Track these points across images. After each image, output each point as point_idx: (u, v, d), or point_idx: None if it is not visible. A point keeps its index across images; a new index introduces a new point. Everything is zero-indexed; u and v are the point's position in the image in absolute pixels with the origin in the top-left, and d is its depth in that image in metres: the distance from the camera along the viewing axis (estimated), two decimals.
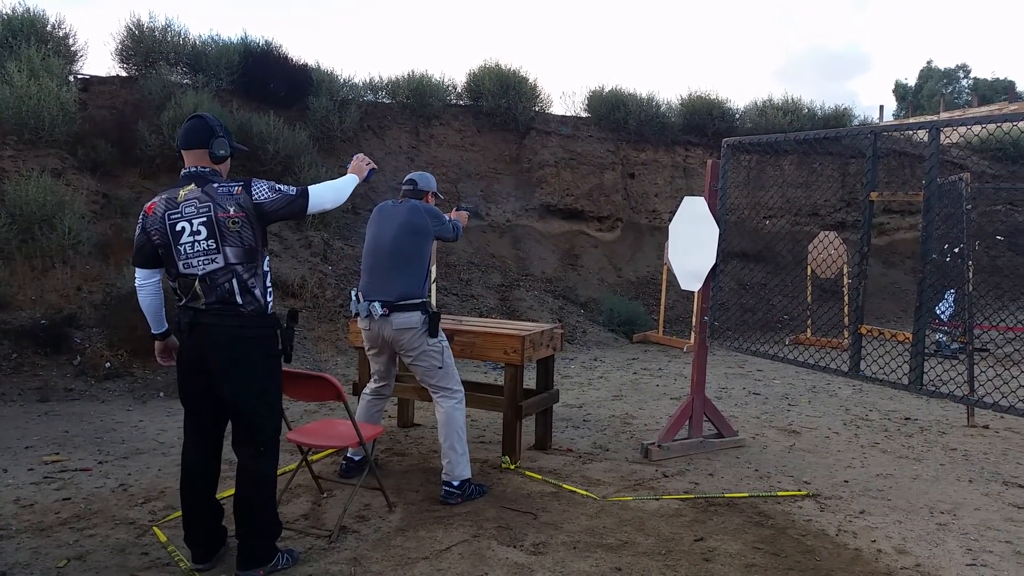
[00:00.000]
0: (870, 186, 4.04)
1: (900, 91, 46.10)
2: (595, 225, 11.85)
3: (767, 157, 12.91)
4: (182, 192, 3.03)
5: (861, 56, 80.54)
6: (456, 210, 4.81)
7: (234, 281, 2.98)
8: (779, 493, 4.29)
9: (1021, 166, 15.80)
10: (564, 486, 4.33)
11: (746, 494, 4.25)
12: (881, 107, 33.50)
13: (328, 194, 3.20)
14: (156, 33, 9.50)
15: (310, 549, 3.41)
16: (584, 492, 4.24)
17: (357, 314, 4.18)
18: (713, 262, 4.96)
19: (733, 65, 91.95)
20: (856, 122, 17.05)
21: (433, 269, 5.97)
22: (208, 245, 2.98)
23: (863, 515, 3.98)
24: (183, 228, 2.99)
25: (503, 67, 11.78)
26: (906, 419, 6.02)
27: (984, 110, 27.52)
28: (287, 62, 10.08)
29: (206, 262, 2.99)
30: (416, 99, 10.86)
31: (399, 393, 5.38)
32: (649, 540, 3.62)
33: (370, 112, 10.74)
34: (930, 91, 42.60)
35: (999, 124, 3.75)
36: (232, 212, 2.98)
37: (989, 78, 42.64)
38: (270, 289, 3.13)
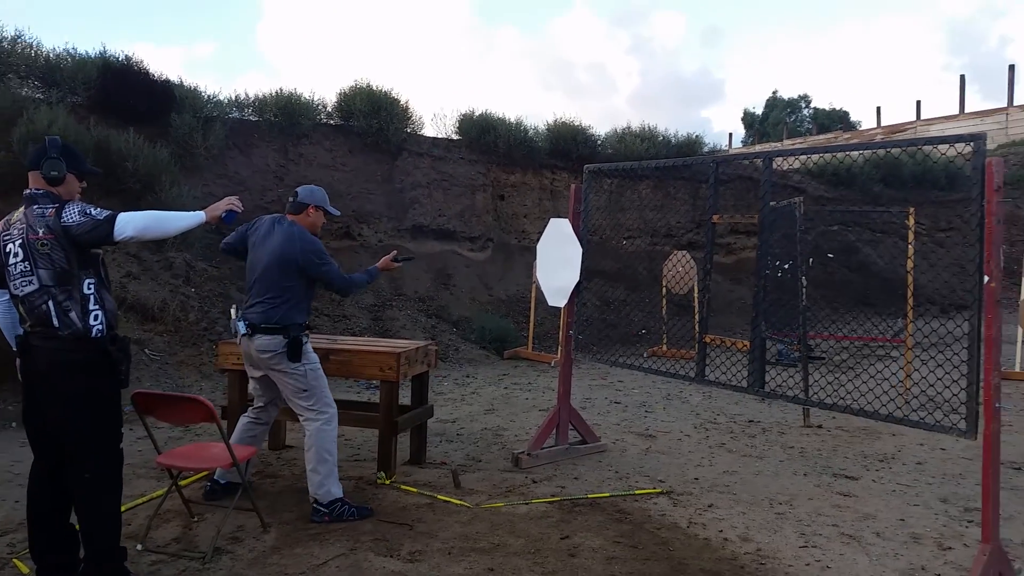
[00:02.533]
0: (712, 209, 4.48)
1: (748, 119, 49.20)
2: (467, 245, 12.09)
3: (626, 181, 13.62)
4: (15, 214, 3.09)
5: (714, 85, 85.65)
6: (389, 257, 4.69)
7: (50, 303, 2.98)
8: (637, 492, 4.63)
9: (851, 190, 17.36)
10: (439, 497, 4.48)
11: (607, 494, 4.56)
12: (730, 134, 35.82)
13: (143, 223, 3.06)
14: (5, 44, 8.99)
15: (183, 571, 3.41)
16: (458, 501, 4.41)
17: (234, 332, 4.18)
18: (577, 280, 5.28)
19: (594, 92, 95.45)
20: (706, 149, 18.21)
21: None
22: (24, 267, 3.00)
23: (711, 508, 4.37)
24: (10, 249, 3.04)
25: (374, 88, 11.87)
26: (750, 422, 6.57)
27: (822, 138, 30.00)
28: (148, 77, 9.77)
29: (24, 284, 3.01)
30: (285, 117, 10.76)
31: None
32: (519, 541, 3.84)
33: (236, 130, 10.54)
34: (775, 119, 45.69)
35: (821, 155, 4.26)
36: (41, 234, 2.98)
37: (827, 108, 46.24)
38: (95, 312, 3.05)
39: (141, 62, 9.91)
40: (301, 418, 4.17)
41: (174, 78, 10.19)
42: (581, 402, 7.14)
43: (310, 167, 10.88)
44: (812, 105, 47.91)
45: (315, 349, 4.65)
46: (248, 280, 4.21)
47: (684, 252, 10.43)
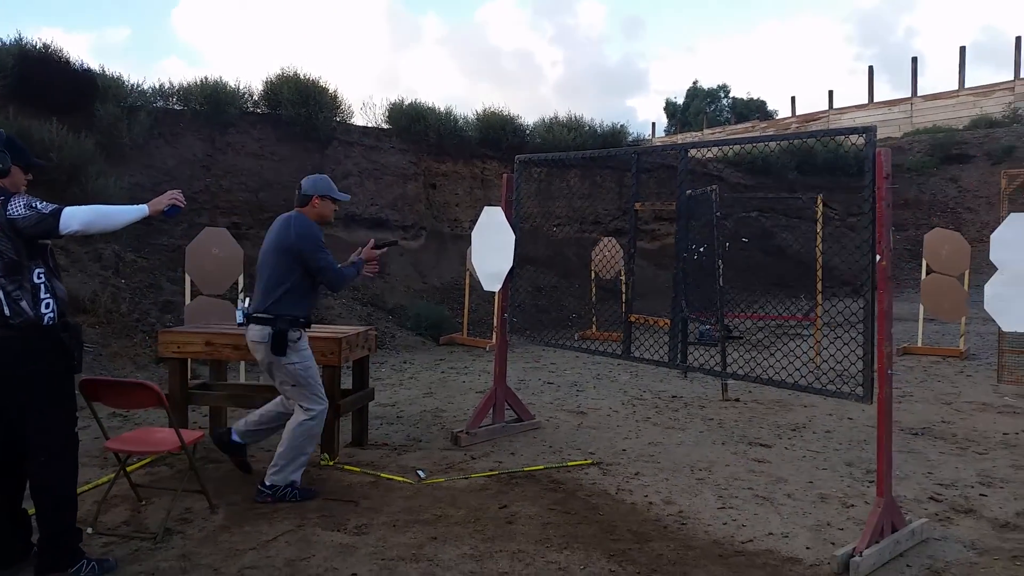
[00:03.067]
0: (635, 197, 4.78)
1: (671, 108, 50.27)
2: (400, 234, 12.20)
3: (555, 170, 13.91)
4: None
5: (638, 75, 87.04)
6: (369, 247, 4.56)
7: (0, 294, 3.04)
8: (569, 464, 4.91)
9: (768, 178, 18.09)
10: (382, 475, 4.67)
11: (542, 467, 4.83)
12: (653, 124, 36.62)
13: (88, 217, 3.15)
14: None
15: (136, 552, 3.51)
16: (401, 479, 4.62)
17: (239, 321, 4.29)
18: (510, 266, 5.51)
19: (521, 81, 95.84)
20: (630, 138, 18.70)
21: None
22: None
23: (637, 476, 4.69)
24: None
25: (302, 76, 11.83)
26: (673, 397, 6.95)
27: (739, 127, 31.00)
28: (68, 66, 9.54)
29: None
30: (211, 106, 10.65)
31: (211, 402, 5.46)
32: (460, 512, 4.07)
33: (161, 119, 10.38)
34: (696, 109, 46.80)
35: (733, 147, 4.60)
36: None
37: (745, 98, 47.61)
38: (47, 301, 3.12)
39: (60, 50, 9.67)
40: (291, 406, 4.26)
41: (95, 66, 9.99)
42: (516, 383, 7.40)
43: (238, 156, 10.81)
44: (731, 95, 49.10)
45: None
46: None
47: (611, 238, 10.81)
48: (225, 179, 10.44)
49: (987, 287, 6.81)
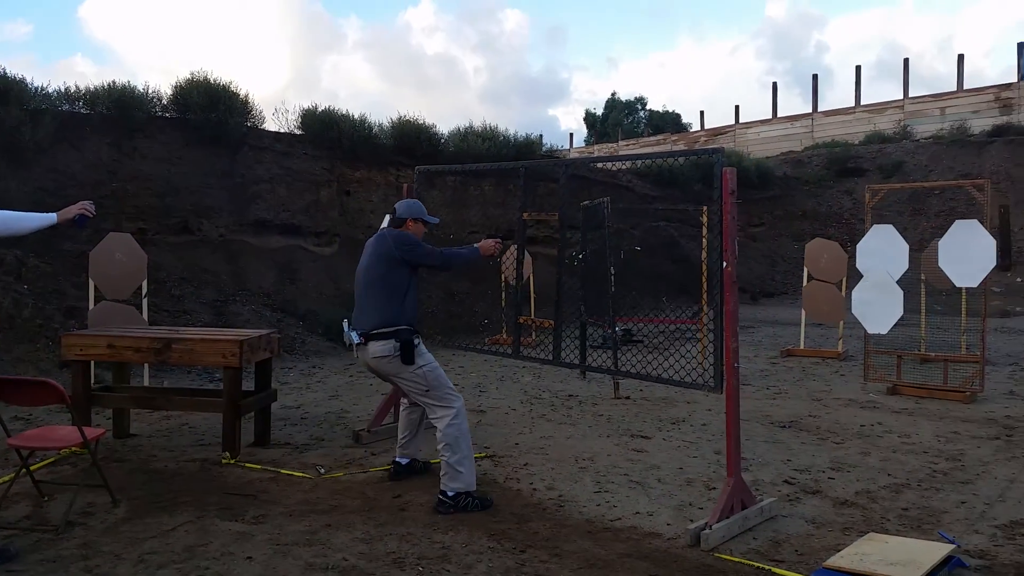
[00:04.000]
0: (522, 208, 5.16)
1: (590, 119, 51.34)
2: (313, 240, 12.31)
3: (469, 179, 14.30)
4: None
5: (559, 84, 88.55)
6: (485, 239, 4.80)
7: None
8: None
9: (675, 189, 18.86)
10: (282, 471, 4.89)
11: (437, 460, 5.12)
12: (571, 134, 37.44)
13: None
14: None
15: (37, 543, 3.65)
16: (300, 474, 4.84)
17: (349, 343, 4.39)
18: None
19: (444, 88, 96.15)
20: (545, 149, 19.23)
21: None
22: None
23: (526, 467, 5.04)
24: None
25: (212, 81, 11.83)
26: (569, 396, 7.36)
27: (652, 140, 32.06)
28: None
29: None
30: (118, 110, 10.56)
31: (113, 404, 5.56)
32: (356, 502, 4.34)
33: (67, 123, 10.25)
34: (615, 120, 47.93)
35: (614, 163, 5.01)
36: None
37: (661, 110, 49.01)
38: None
39: None
40: (430, 415, 4.37)
41: None
42: None
43: (145, 161, 10.75)
44: (648, 107, 50.40)
45: (157, 340, 4.94)
46: (356, 294, 4.46)
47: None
48: (131, 184, 10.37)
49: (854, 293, 7.50)
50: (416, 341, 4.33)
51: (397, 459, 4.78)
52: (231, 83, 11.95)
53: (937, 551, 3.56)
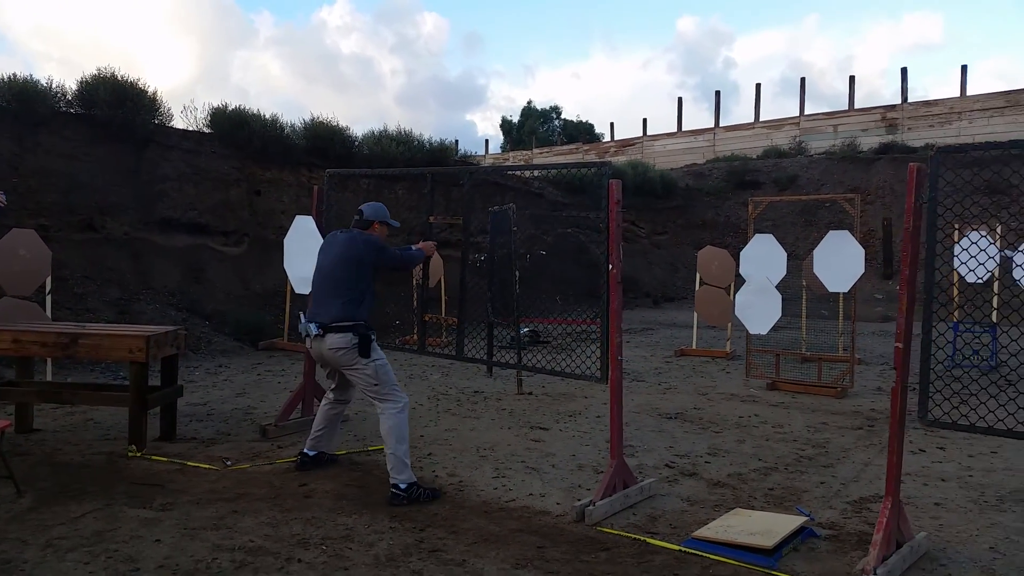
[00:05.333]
0: (428, 211, 5.44)
1: (506, 126, 51.93)
2: (221, 239, 12.22)
3: (383, 182, 14.44)
4: None
5: (477, 90, 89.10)
6: (422, 241, 5.17)
7: None
8: (370, 448, 5.48)
9: (585, 196, 19.44)
10: (189, 463, 5.01)
11: (344, 451, 5.36)
12: (487, 141, 37.84)
13: None
14: None
15: None
16: (207, 466, 4.98)
17: (303, 334, 4.53)
18: None
19: (360, 88, 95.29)
20: (460, 155, 19.58)
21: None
22: None
23: (430, 456, 5.32)
24: None
25: (120, 77, 11.63)
26: (475, 392, 7.68)
27: (565, 148, 32.80)
28: None
29: None
30: (20, 104, 10.28)
31: (17, 399, 5.55)
32: (262, 490, 4.52)
33: None
34: (530, 128, 48.63)
35: (516, 171, 5.35)
36: None
37: (575, 120, 50.01)
38: None
39: None
40: (377, 408, 4.56)
41: None
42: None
43: (48, 157, 10.50)
44: (562, 116, 51.28)
45: (62, 334, 5.00)
46: (314, 287, 4.63)
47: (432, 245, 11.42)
48: (34, 179, 10.11)
49: (737, 296, 8.09)
50: (374, 335, 4.58)
51: (306, 451, 4.97)
52: (139, 80, 11.79)
53: (792, 522, 4.03)
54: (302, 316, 4.66)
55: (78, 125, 11.05)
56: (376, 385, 4.53)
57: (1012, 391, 6.53)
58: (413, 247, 5.09)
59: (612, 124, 33.37)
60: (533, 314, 12.93)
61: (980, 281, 6.89)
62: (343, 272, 4.57)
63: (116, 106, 11.14)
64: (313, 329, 4.51)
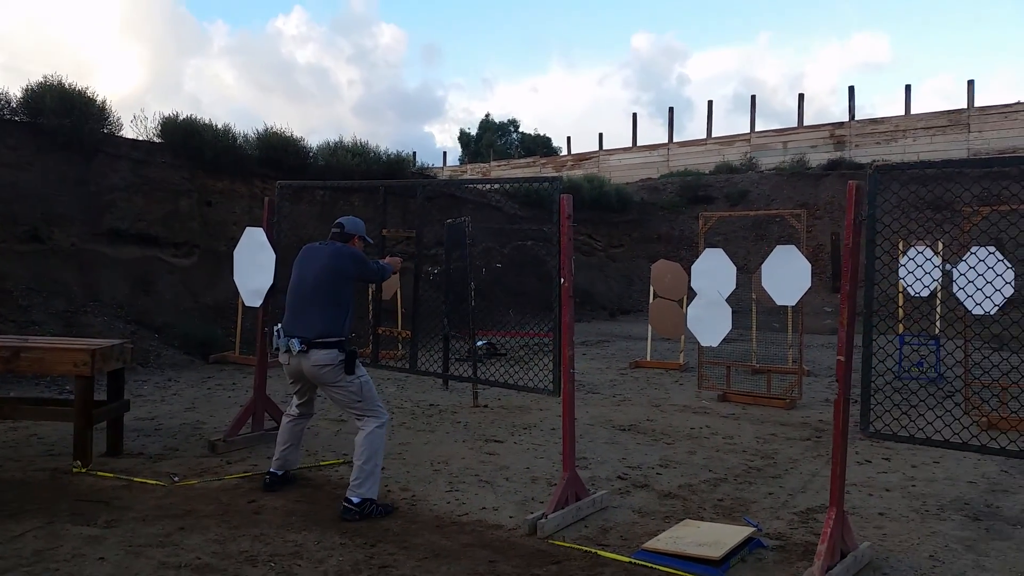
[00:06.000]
0: (382, 224, 5.43)
1: (464, 139, 52.02)
2: (171, 251, 12.00)
3: (339, 194, 14.33)
4: None
5: (435, 102, 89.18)
6: (390, 255, 5.17)
7: None
8: (322, 463, 5.42)
9: (541, 210, 19.56)
10: (135, 479, 4.91)
11: (296, 467, 5.28)
12: (444, 153, 37.89)
13: None
14: None
15: None
16: (154, 482, 4.88)
17: (277, 348, 4.37)
18: (271, 283, 5.93)
19: (316, 99, 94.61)
20: (417, 167, 19.54)
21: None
22: None
23: (384, 471, 5.20)
24: None
25: (68, 85, 11.39)
26: (431, 405, 7.65)
27: (522, 162, 32.97)
28: None
29: None
30: None
31: None
32: (210, 507, 4.44)
33: None
34: (488, 141, 48.79)
35: (469, 185, 5.38)
36: None
37: (533, 133, 50.29)
38: None
39: None
40: (358, 422, 4.46)
41: None
42: (284, 398, 7.73)
43: None
44: (520, 130, 51.57)
45: (4, 348, 4.87)
46: (293, 300, 4.46)
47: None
48: None
49: (689, 309, 8.20)
50: (357, 352, 4.52)
51: (273, 470, 4.86)
52: (87, 88, 11.56)
53: (740, 533, 4.09)
54: (277, 330, 4.53)
55: (23, 133, 10.78)
56: (359, 402, 4.47)
57: (950, 403, 6.75)
58: (381, 261, 5.05)
59: (569, 138, 33.94)
60: (489, 327, 12.96)
61: (922, 295, 7.11)
62: (328, 285, 4.48)
63: (63, 114, 10.90)
64: (296, 345, 4.38)
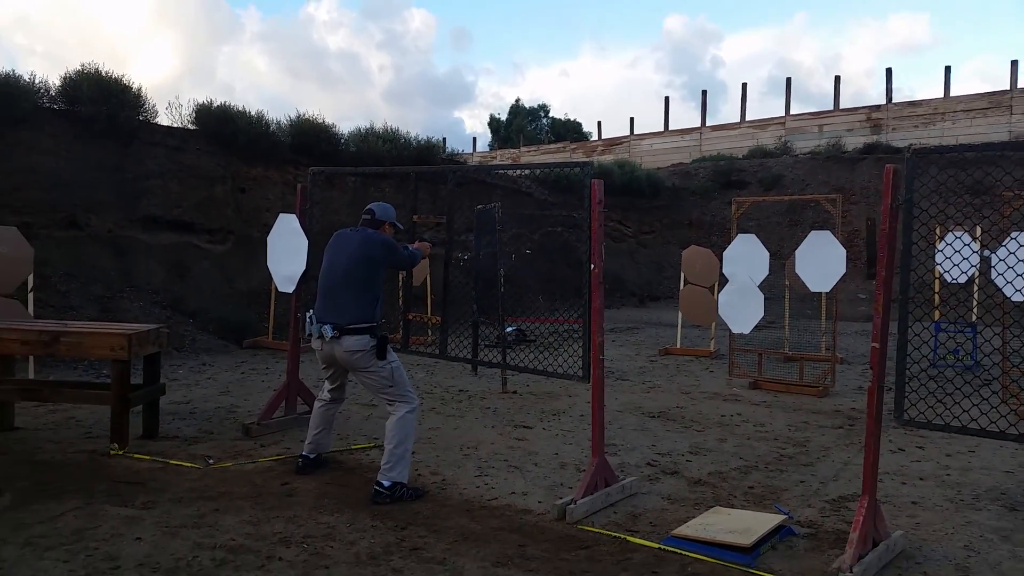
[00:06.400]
0: (414, 210, 5.45)
1: (494, 124, 51.92)
2: (205, 237, 12.16)
3: (371, 180, 14.40)
4: None
5: (466, 87, 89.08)
6: (419, 240, 5.17)
7: None
8: (353, 447, 5.48)
9: (572, 196, 19.47)
10: (171, 462, 5.01)
11: (328, 450, 5.35)
12: (474, 139, 37.82)
13: None
14: None
15: None
16: (189, 464, 4.97)
17: (310, 334, 4.44)
18: (304, 268, 5.98)
19: (348, 85, 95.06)
20: (447, 153, 19.55)
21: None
22: None
23: (414, 455, 5.27)
24: None
25: (104, 73, 11.57)
26: (460, 391, 7.69)
27: (552, 147, 32.83)
28: None
29: None
30: (1, 100, 10.20)
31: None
32: (245, 489, 4.52)
33: None
34: (518, 126, 48.64)
35: (499, 171, 5.37)
36: None
37: (563, 118, 50.06)
38: None
39: None
40: (389, 407, 4.54)
41: None
42: (316, 382, 7.82)
43: (31, 154, 10.42)
44: (551, 115, 51.31)
45: (44, 332, 4.98)
46: (325, 286, 4.51)
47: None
48: (16, 176, 10.04)
49: (720, 296, 8.13)
50: (388, 337, 4.57)
51: (305, 453, 4.92)
52: (123, 76, 11.73)
53: (770, 520, 4.07)
54: (310, 316, 4.57)
55: (61, 122, 10.97)
56: (391, 387, 4.50)
57: (987, 391, 6.63)
58: (410, 246, 5.04)
59: (599, 123, 33.87)
60: (519, 313, 12.97)
61: (959, 281, 6.97)
62: (360, 272, 4.51)
63: (100, 102, 11.08)
64: (329, 331, 4.42)
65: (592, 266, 4.32)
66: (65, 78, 11.27)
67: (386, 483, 4.36)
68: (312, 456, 4.91)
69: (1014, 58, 23.74)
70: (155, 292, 10.62)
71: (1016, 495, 4.69)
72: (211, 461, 5.05)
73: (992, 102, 22.47)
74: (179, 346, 9.51)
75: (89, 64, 11.60)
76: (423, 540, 3.81)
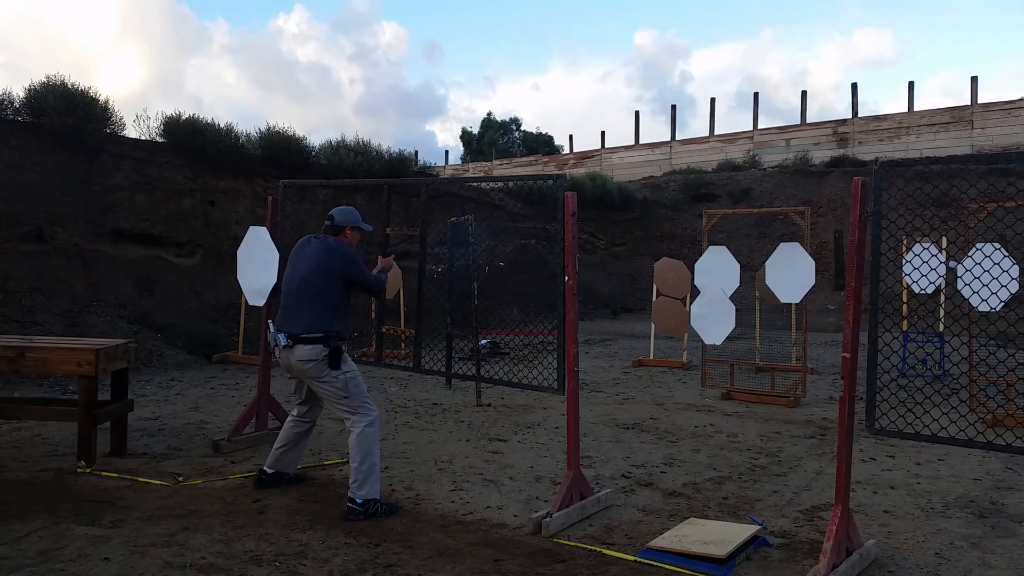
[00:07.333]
0: (385, 223, 5.43)
1: (466, 137, 51.99)
2: (174, 251, 12.01)
3: (342, 192, 14.35)
4: None
5: (437, 100, 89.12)
6: (381, 257, 5.00)
7: None
8: (325, 463, 5.42)
9: (544, 208, 19.54)
10: (139, 479, 4.91)
11: (299, 467, 5.27)
12: (447, 152, 37.83)
13: None
14: None
15: None
16: (158, 482, 4.88)
17: (272, 344, 4.38)
18: (274, 282, 5.91)
19: (318, 97, 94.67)
20: (419, 165, 19.54)
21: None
22: None
23: (387, 469, 5.27)
24: None
25: (70, 85, 11.41)
26: (434, 404, 7.64)
27: (525, 160, 32.95)
28: None
29: None
30: None
31: None
32: (215, 507, 4.44)
33: None
34: (490, 140, 48.74)
35: (472, 183, 5.38)
36: None
37: (535, 132, 50.27)
38: None
39: None
40: (346, 422, 4.43)
41: None
42: (286, 396, 7.73)
43: None
44: (522, 128, 51.50)
45: (9, 348, 4.88)
46: (284, 295, 4.47)
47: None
48: None
49: (692, 307, 8.18)
50: (343, 347, 4.50)
51: (265, 467, 4.84)
52: (90, 88, 11.58)
53: (745, 531, 4.08)
54: (271, 325, 4.55)
55: (26, 133, 10.80)
56: (346, 398, 4.44)
57: (955, 399, 6.74)
58: (376, 270, 4.94)
59: (571, 136, 33.95)
60: (493, 325, 12.95)
61: (927, 292, 7.09)
62: (315, 281, 4.45)
63: (66, 114, 10.92)
64: (282, 339, 4.39)
65: (566, 278, 4.32)
66: (30, 89, 11.10)
67: (359, 500, 4.31)
68: (270, 471, 4.81)
69: (974, 74, 24.32)
70: (123, 306, 10.45)
71: (984, 502, 4.76)
72: (181, 478, 4.96)
73: (954, 116, 22.99)
74: (147, 361, 9.36)
75: (55, 76, 11.45)
76: (397, 556, 3.77)
